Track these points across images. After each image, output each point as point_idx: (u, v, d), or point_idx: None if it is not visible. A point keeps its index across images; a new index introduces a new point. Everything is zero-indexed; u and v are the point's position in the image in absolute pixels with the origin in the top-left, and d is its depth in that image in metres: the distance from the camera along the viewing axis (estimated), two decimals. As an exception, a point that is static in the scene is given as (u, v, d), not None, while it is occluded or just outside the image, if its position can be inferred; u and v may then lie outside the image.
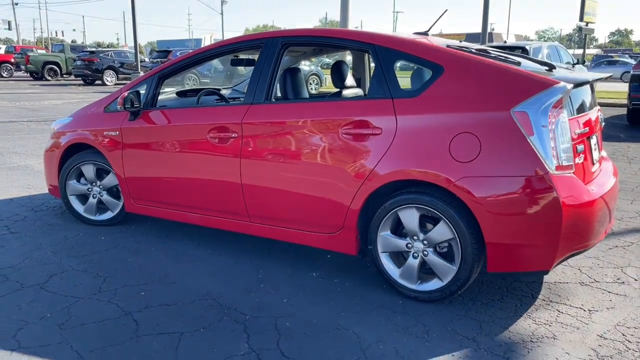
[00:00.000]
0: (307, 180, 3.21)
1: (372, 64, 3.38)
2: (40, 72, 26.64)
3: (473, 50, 3.11)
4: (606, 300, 3.02)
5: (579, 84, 2.87)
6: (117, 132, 3.95)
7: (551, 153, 2.63)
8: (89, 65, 23.97)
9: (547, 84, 2.68)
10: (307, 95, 3.78)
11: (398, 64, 3.18)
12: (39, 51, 30.12)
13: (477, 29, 16.58)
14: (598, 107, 3.46)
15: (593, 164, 3.08)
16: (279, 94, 3.69)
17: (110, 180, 4.17)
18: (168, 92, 4.59)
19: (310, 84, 20.67)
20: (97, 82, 24.27)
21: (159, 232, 4.13)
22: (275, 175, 3.31)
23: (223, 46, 3.74)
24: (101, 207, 4.29)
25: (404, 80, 3.29)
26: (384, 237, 3.04)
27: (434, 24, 3.74)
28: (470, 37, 33.53)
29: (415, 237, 2.95)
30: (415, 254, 2.96)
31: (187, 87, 7.35)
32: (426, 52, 3.02)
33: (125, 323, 2.71)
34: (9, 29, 68.29)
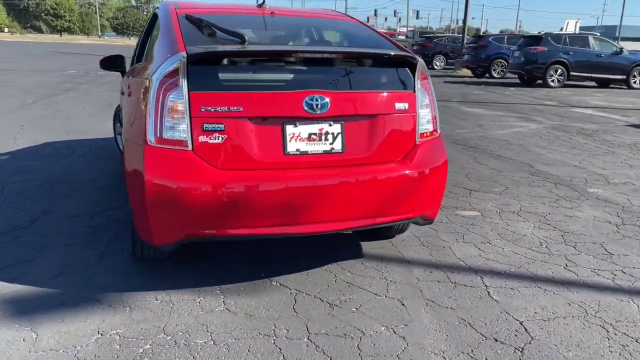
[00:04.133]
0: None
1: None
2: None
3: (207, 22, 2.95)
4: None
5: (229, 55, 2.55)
6: (121, 87, 5.11)
7: (153, 124, 2.50)
8: (422, 50, 25.46)
9: (171, 52, 2.55)
10: None
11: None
12: (399, 37, 33.62)
13: None
14: (357, 92, 2.71)
15: (278, 151, 2.58)
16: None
17: (131, 125, 5.40)
18: None
19: (635, 76, 17.27)
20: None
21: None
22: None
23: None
24: (132, 146, 5.57)
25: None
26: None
27: None
28: None
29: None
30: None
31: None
32: None
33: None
34: (417, 17, 77.97)
